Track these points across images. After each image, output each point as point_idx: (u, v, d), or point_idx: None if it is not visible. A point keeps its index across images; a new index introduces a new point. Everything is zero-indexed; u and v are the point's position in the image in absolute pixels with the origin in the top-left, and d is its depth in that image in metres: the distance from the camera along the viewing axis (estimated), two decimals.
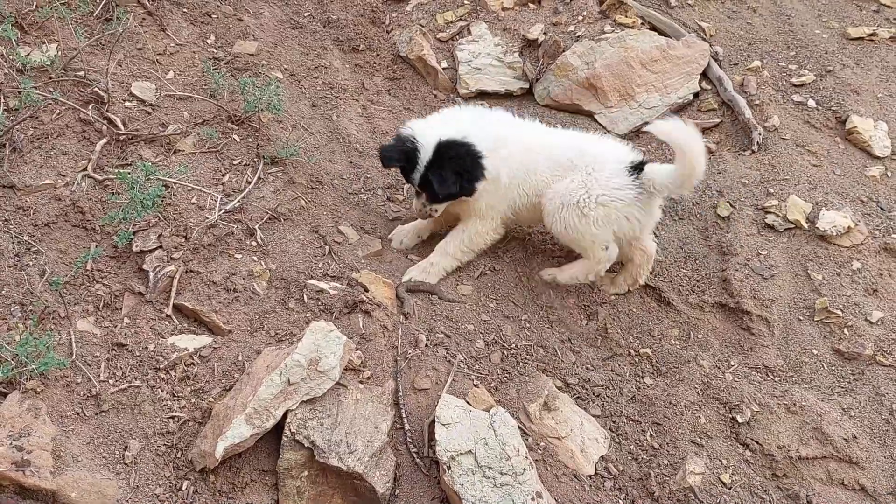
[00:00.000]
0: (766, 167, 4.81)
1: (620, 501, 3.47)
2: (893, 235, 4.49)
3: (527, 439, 3.47)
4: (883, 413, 3.89)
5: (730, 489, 3.59)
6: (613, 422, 3.78)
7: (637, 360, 4.05)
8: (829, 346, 4.15)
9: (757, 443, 3.74)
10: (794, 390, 3.93)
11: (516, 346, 3.91)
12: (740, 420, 3.80)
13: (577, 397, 3.81)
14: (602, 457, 3.59)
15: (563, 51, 5.34)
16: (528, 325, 4.06)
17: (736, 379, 3.99)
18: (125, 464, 3.12)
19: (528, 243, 4.46)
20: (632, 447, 3.70)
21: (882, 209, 4.62)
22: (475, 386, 3.56)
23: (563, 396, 3.70)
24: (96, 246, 3.73)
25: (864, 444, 3.78)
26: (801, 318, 4.25)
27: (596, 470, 3.53)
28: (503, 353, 3.85)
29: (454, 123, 4.00)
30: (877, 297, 4.30)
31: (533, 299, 4.20)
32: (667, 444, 3.72)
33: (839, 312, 4.22)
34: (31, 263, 3.60)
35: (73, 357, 3.31)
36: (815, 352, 4.13)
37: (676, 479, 3.57)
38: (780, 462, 3.69)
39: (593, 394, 3.86)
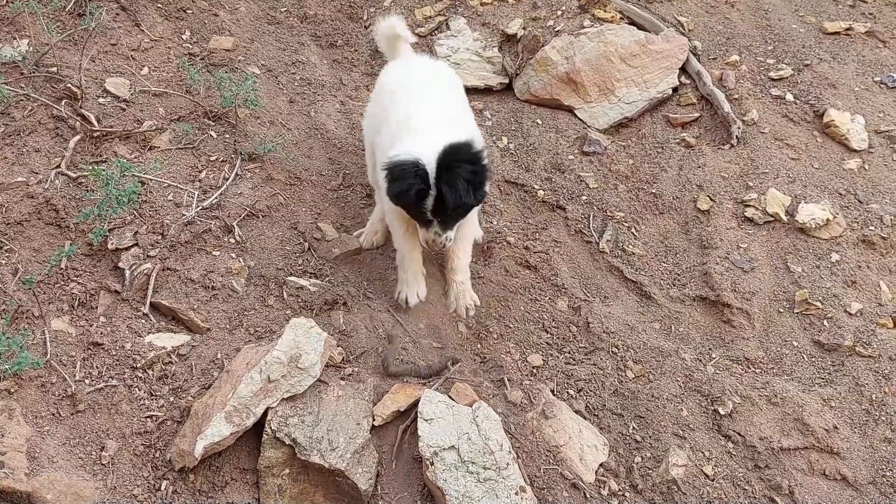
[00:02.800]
0: (745, 161, 4.83)
1: None
2: (871, 227, 4.52)
3: (521, 445, 3.46)
4: (863, 403, 3.91)
5: (713, 481, 3.59)
6: (596, 416, 3.77)
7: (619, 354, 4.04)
8: (809, 338, 4.17)
9: (739, 434, 3.75)
10: (775, 382, 3.94)
11: (503, 345, 3.90)
12: (722, 412, 3.80)
13: (569, 397, 3.80)
14: (601, 464, 3.57)
15: (543, 45, 5.32)
16: (511, 324, 4.04)
17: (717, 371, 3.99)
18: (102, 464, 3.07)
19: (514, 248, 4.44)
20: (615, 441, 3.69)
21: (860, 201, 4.65)
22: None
23: (561, 404, 3.67)
24: (70, 244, 3.66)
25: (845, 435, 3.80)
26: (782, 310, 4.27)
27: (596, 477, 3.51)
28: (493, 356, 3.84)
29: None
30: (855, 289, 4.32)
31: (516, 297, 4.18)
32: (649, 436, 3.72)
33: (819, 304, 4.24)
34: (3, 262, 3.53)
35: (48, 357, 3.25)
36: (796, 343, 4.15)
37: (659, 471, 3.57)
38: (763, 453, 3.69)
39: (576, 388, 3.85)
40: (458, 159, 3.37)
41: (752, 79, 5.25)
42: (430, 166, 3.33)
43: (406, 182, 3.34)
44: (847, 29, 5.56)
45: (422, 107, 3.66)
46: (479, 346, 3.93)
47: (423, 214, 3.48)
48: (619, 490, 3.50)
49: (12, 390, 3.10)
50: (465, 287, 4.00)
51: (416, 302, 3.81)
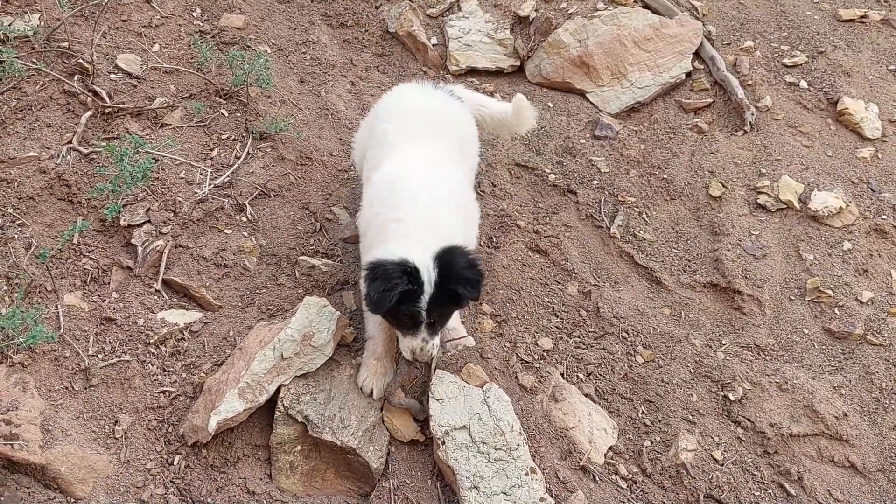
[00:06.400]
0: (758, 147, 4.80)
1: (629, 492, 3.46)
2: (884, 216, 4.51)
3: (531, 427, 3.46)
4: (873, 391, 3.92)
5: (722, 466, 3.60)
6: (606, 400, 3.77)
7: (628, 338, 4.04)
8: (819, 326, 4.16)
9: (749, 420, 3.75)
10: (786, 369, 3.94)
11: (515, 331, 3.90)
12: (732, 398, 3.81)
13: (579, 381, 3.80)
14: (611, 447, 3.58)
15: (555, 28, 5.28)
16: (521, 308, 4.04)
17: (727, 358, 3.99)
18: (115, 438, 3.08)
19: (524, 232, 4.43)
20: (624, 424, 3.69)
21: (873, 190, 4.64)
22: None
23: (570, 387, 3.68)
24: (83, 219, 3.66)
25: (855, 422, 3.80)
26: (793, 297, 4.26)
27: (605, 460, 3.52)
28: (504, 340, 3.84)
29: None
30: (867, 278, 4.32)
31: (527, 281, 4.18)
32: (659, 421, 3.72)
33: (830, 292, 4.23)
34: (16, 236, 3.53)
35: (61, 331, 3.25)
36: (806, 331, 4.14)
37: (669, 455, 3.58)
38: (772, 439, 3.70)
39: (585, 372, 3.85)
40: (457, 257, 3.11)
41: (766, 65, 5.22)
42: (426, 265, 3.04)
43: (391, 283, 2.99)
44: (862, 16, 5.52)
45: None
46: (492, 329, 3.92)
47: (413, 317, 3.11)
48: (629, 473, 3.51)
49: (26, 364, 3.11)
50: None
51: (379, 394, 3.37)
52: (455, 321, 3.66)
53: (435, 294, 3.05)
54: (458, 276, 3.06)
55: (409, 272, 3.00)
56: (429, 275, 3.03)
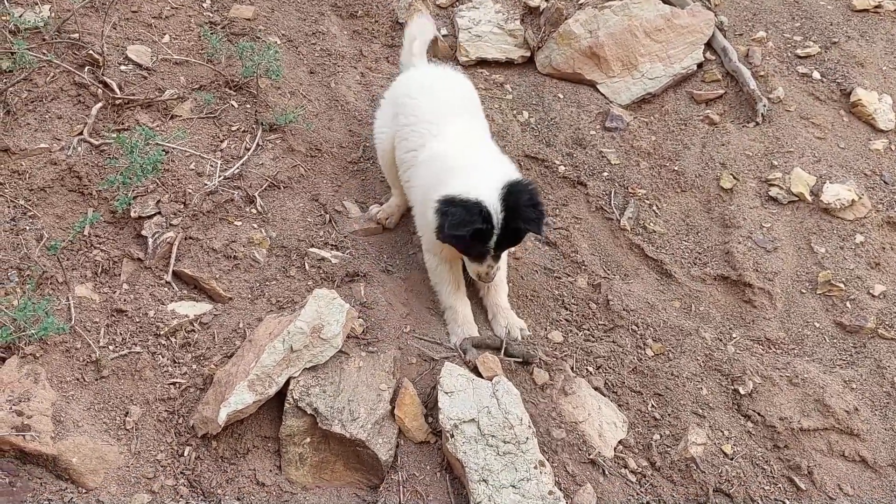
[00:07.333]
0: (770, 139, 4.77)
1: (638, 486, 3.46)
2: None
3: (541, 420, 3.46)
4: (884, 386, 3.90)
5: (731, 460, 3.59)
6: (615, 393, 3.77)
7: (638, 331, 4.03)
8: (831, 319, 4.14)
9: (759, 414, 3.74)
10: (797, 363, 3.93)
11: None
12: (742, 392, 3.80)
13: (588, 374, 3.80)
14: (620, 441, 3.57)
15: (566, 18, 5.25)
16: (531, 301, 4.03)
17: (738, 351, 3.98)
18: (126, 429, 3.10)
19: None
20: (634, 418, 3.69)
21: (886, 182, 4.60)
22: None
23: (580, 381, 3.67)
24: (94, 211, 3.67)
25: (866, 417, 3.79)
26: (804, 290, 4.24)
27: (615, 454, 3.52)
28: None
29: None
30: (879, 271, 4.29)
31: (536, 274, 4.17)
32: (668, 414, 3.72)
33: (842, 286, 4.21)
34: (27, 228, 3.54)
35: (73, 322, 3.27)
36: (818, 325, 4.13)
37: (678, 449, 3.57)
38: (782, 433, 3.69)
39: (595, 365, 3.84)
40: (521, 195, 3.41)
41: (778, 56, 5.17)
42: (494, 206, 3.33)
43: (471, 222, 3.31)
44: (876, 6, 5.45)
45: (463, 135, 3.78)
46: None
47: (485, 251, 3.48)
48: (638, 467, 3.51)
49: (38, 355, 3.13)
50: (512, 314, 3.88)
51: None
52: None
53: (501, 233, 3.38)
54: (523, 216, 3.37)
55: (482, 212, 3.32)
56: (497, 217, 3.33)
